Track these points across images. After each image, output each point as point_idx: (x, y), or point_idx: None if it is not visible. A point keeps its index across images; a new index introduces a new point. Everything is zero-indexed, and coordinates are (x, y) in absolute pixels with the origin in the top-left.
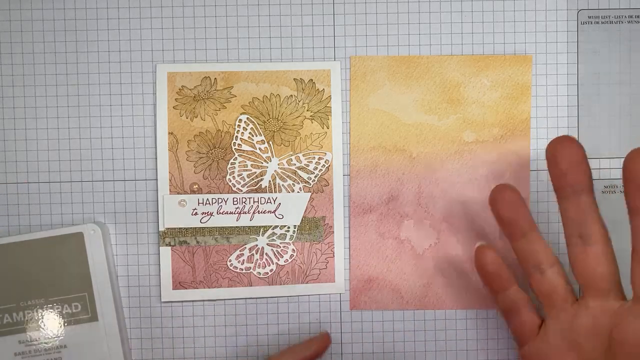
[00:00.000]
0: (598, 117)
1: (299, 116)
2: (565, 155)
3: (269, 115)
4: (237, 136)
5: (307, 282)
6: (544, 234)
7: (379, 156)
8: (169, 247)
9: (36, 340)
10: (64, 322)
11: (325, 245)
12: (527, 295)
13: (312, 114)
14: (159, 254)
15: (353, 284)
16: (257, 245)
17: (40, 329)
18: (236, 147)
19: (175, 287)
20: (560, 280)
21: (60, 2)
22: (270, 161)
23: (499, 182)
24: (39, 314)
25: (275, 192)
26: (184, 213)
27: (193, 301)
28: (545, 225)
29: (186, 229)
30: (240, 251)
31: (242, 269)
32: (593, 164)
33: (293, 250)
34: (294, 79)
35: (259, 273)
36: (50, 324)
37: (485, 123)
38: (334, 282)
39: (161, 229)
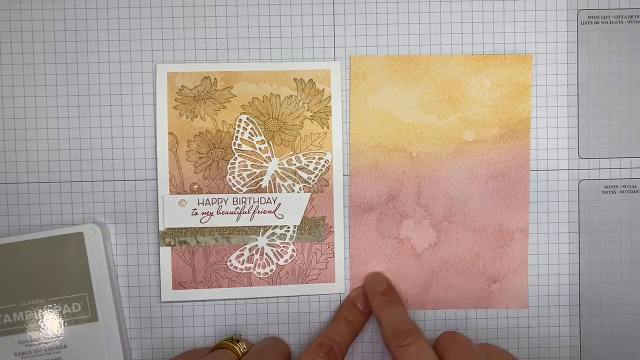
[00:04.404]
0: (598, 117)
1: (299, 116)
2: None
3: (269, 115)
4: (237, 136)
5: (307, 282)
6: (542, 234)
7: (379, 156)
8: (169, 247)
9: (36, 340)
10: (64, 322)
11: (325, 245)
12: None
13: (312, 114)
14: (159, 254)
15: (353, 283)
16: (257, 245)
17: (40, 329)
18: (236, 147)
19: (175, 287)
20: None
21: (60, 2)
22: (270, 161)
23: (498, 182)
24: (39, 314)
25: (275, 192)
26: (184, 213)
27: (193, 301)
28: (545, 225)
29: (186, 229)
30: (240, 251)
31: (242, 269)
32: (593, 164)
33: (293, 250)
34: (294, 79)
35: (259, 273)
36: (50, 324)
37: (485, 122)
38: (334, 282)
39: (161, 229)
